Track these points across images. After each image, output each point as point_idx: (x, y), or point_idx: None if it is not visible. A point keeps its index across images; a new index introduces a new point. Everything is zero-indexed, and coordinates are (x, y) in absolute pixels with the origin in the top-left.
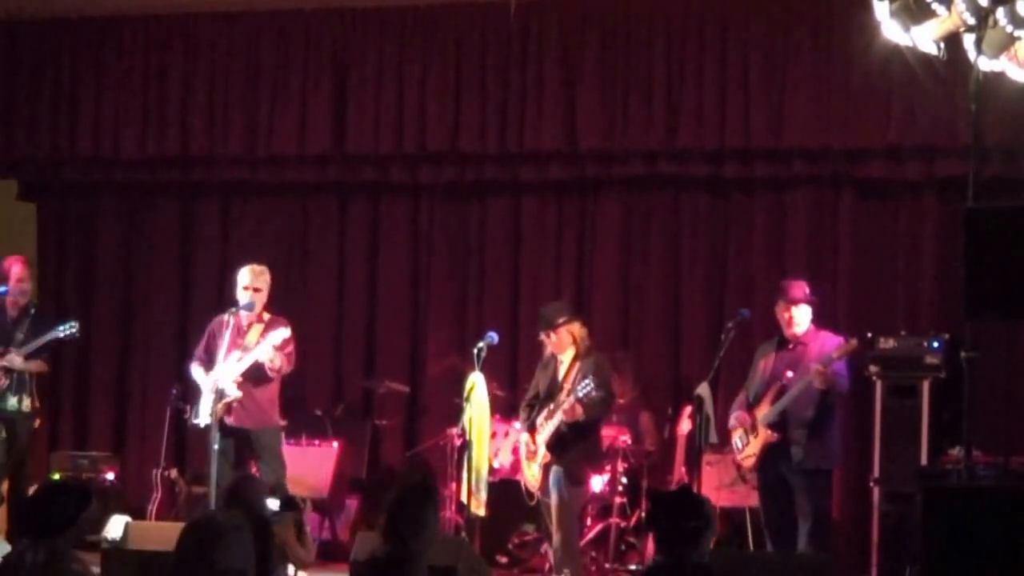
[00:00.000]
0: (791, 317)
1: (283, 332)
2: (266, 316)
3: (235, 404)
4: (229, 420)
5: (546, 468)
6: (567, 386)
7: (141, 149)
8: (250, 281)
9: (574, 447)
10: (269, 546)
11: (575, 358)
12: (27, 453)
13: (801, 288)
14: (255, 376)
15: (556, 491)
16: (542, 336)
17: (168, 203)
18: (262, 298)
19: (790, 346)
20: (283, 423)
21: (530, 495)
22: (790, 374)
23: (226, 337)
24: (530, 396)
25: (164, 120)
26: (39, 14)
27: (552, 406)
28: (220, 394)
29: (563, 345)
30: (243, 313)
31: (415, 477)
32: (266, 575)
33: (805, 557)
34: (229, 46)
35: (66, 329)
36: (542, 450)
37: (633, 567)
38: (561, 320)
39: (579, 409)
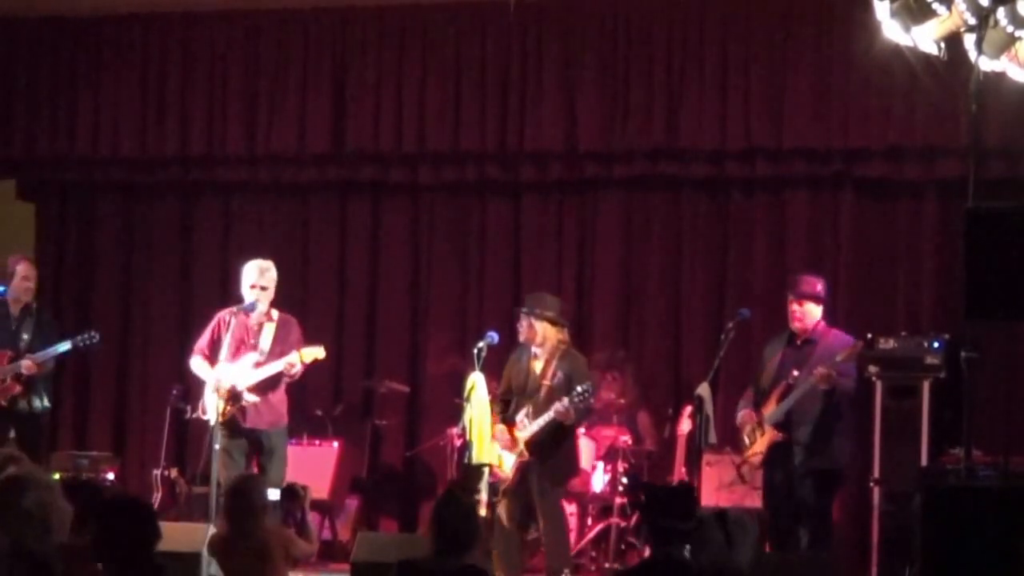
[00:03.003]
0: (794, 311)
1: (317, 351)
2: (275, 314)
3: (249, 407)
4: (243, 423)
5: (522, 467)
6: (545, 383)
7: (140, 148)
8: (256, 279)
9: (557, 448)
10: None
11: (551, 355)
12: (38, 450)
13: (810, 284)
14: (270, 379)
15: (541, 495)
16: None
17: (167, 203)
18: (269, 295)
19: (798, 342)
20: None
21: (494, 490)
22: (796, 373)
23: (234, 335)
24: (503, 390)
25: (163, 119)
26: (37, 13)
27: (532, 404)
28: (236, 397)
29: (525, 332)
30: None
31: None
32: None
33: (805, 557)
34: (228, 45)
35: (86, 339)
36: (520, 446)
37: None
38: (538, 311)
39: (572, 412)
